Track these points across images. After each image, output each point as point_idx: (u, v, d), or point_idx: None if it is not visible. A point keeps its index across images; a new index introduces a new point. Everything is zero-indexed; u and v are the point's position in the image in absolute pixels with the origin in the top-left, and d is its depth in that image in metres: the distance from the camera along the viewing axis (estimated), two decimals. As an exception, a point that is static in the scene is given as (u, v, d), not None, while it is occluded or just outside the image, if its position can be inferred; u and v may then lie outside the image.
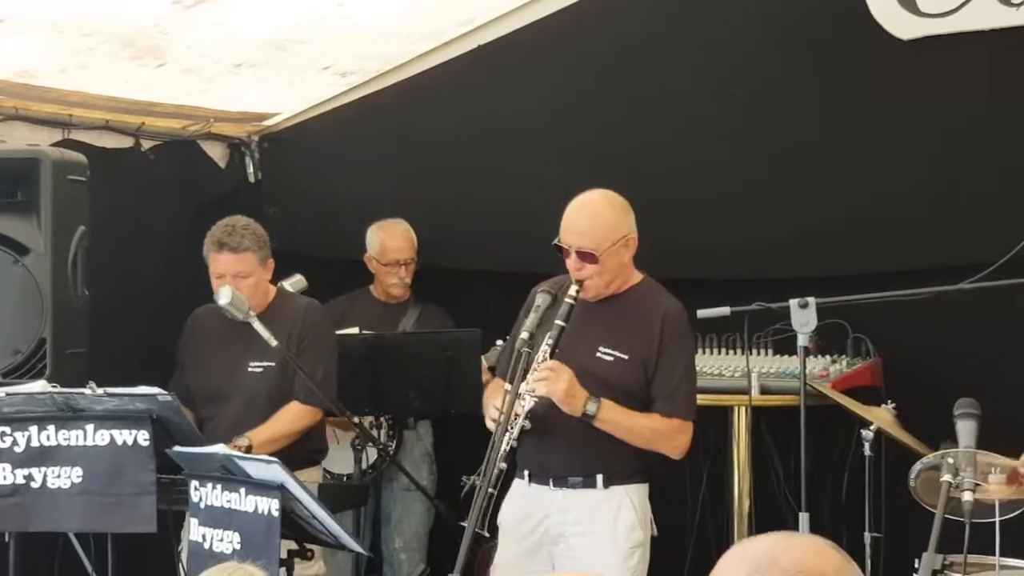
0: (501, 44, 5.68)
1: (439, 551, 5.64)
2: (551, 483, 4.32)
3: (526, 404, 4.15)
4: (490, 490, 3.97)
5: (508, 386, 4.13)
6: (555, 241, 4.27)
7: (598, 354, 4.27)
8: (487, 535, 4.04)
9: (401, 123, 5.98)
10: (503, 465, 4.03)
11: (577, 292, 4.21)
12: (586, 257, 4.22)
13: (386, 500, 5.80)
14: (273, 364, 4.92)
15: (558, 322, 4.16)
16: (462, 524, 3.97)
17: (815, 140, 5.31)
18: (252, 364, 4.95)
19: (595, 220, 4.25)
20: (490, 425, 4.16)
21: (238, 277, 4.88)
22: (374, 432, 5.54)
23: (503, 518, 4.35)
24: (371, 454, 5.52)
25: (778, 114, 5.34)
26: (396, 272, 5.89)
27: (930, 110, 5.12)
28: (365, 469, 5.45)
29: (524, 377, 4.10)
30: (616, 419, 4.23)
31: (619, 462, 4.32)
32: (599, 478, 4.30)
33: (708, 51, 5.45)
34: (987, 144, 5.04)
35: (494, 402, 4.20)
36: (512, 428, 4.10)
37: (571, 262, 4.24)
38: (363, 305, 5.94)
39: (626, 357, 4.28)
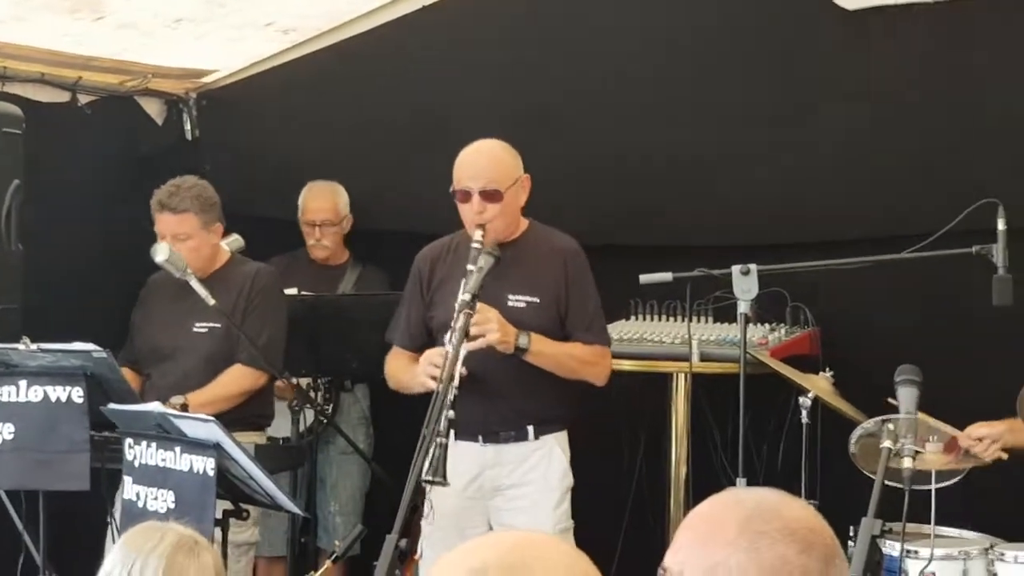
0: (446, 5, 5.63)
1: (376, 514, 5.62)
2: (481, 439, 4.36)
3: (462, 353, 4.13)
4: (441, 440, 3.96)
5: (449, 347, 4.10)
6: (453, 187, 4.32)
7: (510, 303, 4.32)
8: (448, 483, 4.01)
9: (343, 83, 5.92)
10: (451, 413, 4.01)
11: (482, 237, 4.25)
12: (491, 197, 4.30)
13: (322, 463, 5.76)
14: (219, 325, 4.87)
15: (471, 267, 4.17)
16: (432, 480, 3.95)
17: (759, 109, 5.31)
18: (197, 324, 4.90)
19: (495, 159, 4.37)
20: (431, 385, 4.13)
21: (177, 239, 4.82)
22: (311, 394, 5.50)
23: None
24: (308, 417, 5.47)
25: (722, 82, 5.34)
26: (312, 233, 5.85)
27: (873, 80, 5.14)
28: (302, 432, 5.41)
29: (464, 336, 4.09)
30: (546, 350, 4.31)
31: (547, 411, 4.42)
32: (530, 430, 4.39)
33: (649, 19, 5.43)
34: (929, 115, 5.07)
35: (432, 360, 4.19)
36: (455, 379, 4.08)
37: (473, 206, 4.30)
38: (301, 266, 5.89)
39: (538, 300, 4.37)
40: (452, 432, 4.18)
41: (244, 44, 5.92)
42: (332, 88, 5.93)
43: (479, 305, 4.15)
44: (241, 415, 4.78)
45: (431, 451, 3.94)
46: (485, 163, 4.35)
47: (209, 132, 6.26)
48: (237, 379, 4.87)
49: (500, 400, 4.30)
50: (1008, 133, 4.97)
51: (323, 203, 5.86)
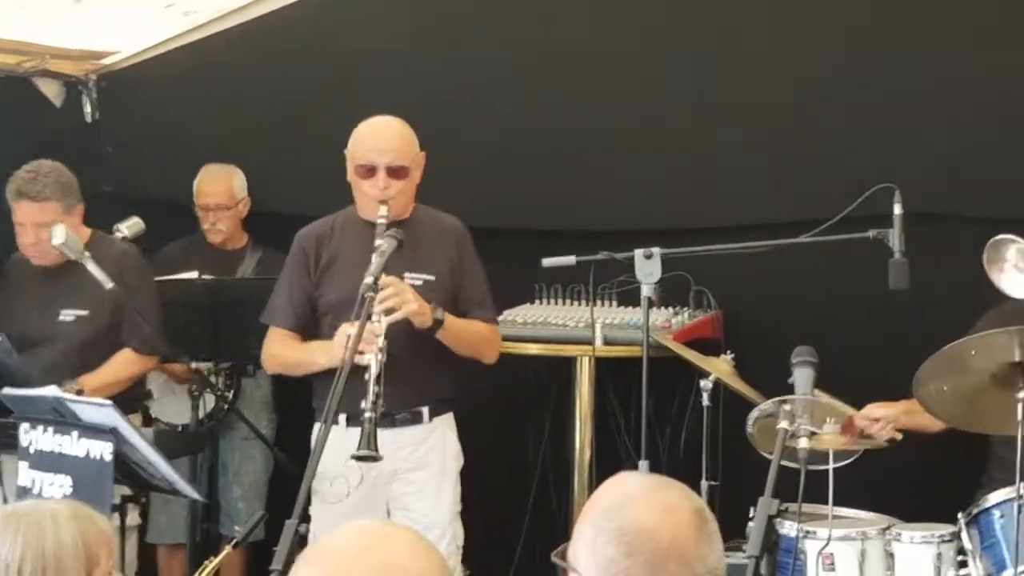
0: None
1: (279, 500, 5.57)
2: (343, 422, 4.27)
3: (382, 327, 4.11)
4: (370, 415, 3.98)
5: (351, 330, 4.05)
6: (356, 162, 4.28)
7: (407, 280, 4.30)
8: (379, 456, 4.02)
9: (243, 65, 5.85)
10: (377, 389, 4.02)
11: (387, 213, 4.24)
12: (397, 173, 4.29)
13: (224, 449, 5.71)
14: (86, 313, 4.81)
15: (379, 242, 4.14)
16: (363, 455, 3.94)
17: (663, 93, 5.33)
18: (63, 312, 4.84)
19: (400, 135, 4.36)
20: (360, 360, 4.05)
21: (40, 227, 4.72)
22: (212, 379, 5.44)
23: (322, 468, 4.27)
24: (209, 402, 5.42)
25: (625, 67, 5.35)
26: (207, 217, 5.79)
27: (776, 64, 5.18)
28: (202, 418, 5.36)
29: (368, 316, 4.06)
30: (457, 324, 4.34)
31: (441, 393, 4.45)
32: (425, 412, 4.39)
33: (552, 2, 5.44)
34: (829, 100, 5.13)
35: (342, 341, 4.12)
36: (379, 355, 4.06)
37: (378, 181, 4.28)
38: (199, 250, 5.82)
39: (433, 278, 4.38)
40: (345, 417, 4.18)
41: (145, 25, 5.84)
42: (232, 71, 5.87)
43: (391, 279, 4.14)
44: (119, 397, 4.70)
45: (362, 427, 3.96)
46: (394, 139, 4.33)
47: (109, 114, 6.16)
48: (127, 364, 4.83)
49: (397, 382, 4.20)
50: (905, 119, 5.04)
51: (217, 187, 5.79)
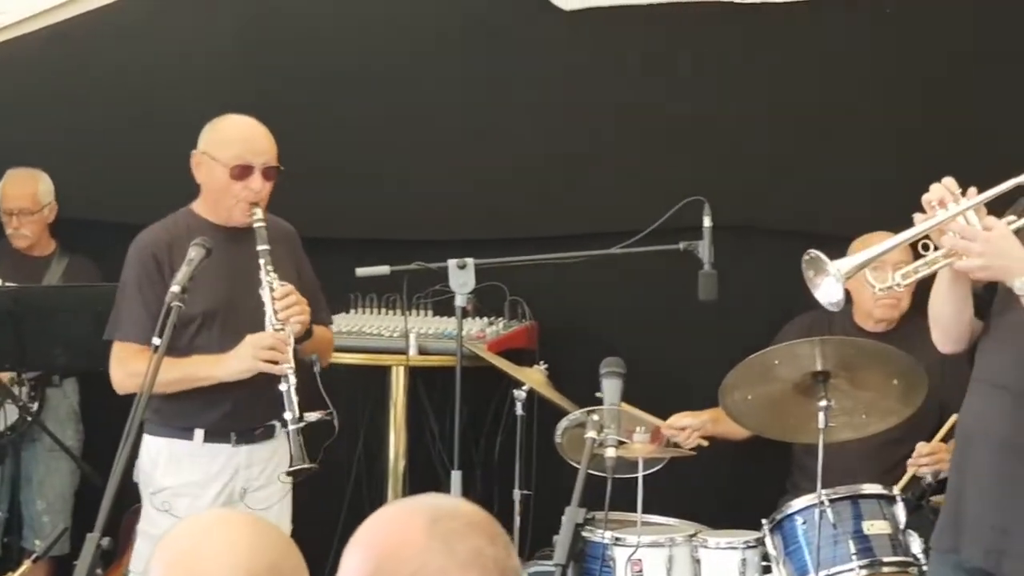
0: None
1: (85, 513, 5.43)
2: (234, 439, 4.16)
3: (290, 336, 4.02)
4: (295, 427, 3.93)
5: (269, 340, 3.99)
6: (238, 163, 4.08)
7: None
8: (316, 465, 3.97)
9: (52, 68, 5.68)
10: (298, 399, 3.96)
11: (262, 216, 4.11)
12: (269, 174, 4.13)
13: (29, 461, 5.54)
14: None
15: (264, 247, 4.04)
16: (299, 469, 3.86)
17: (478, 105, 5.36)
18: None
19: (269, 135, 4.18)
20: (270, 369, 3.99)
21: None
22: (15, 390, 5.29)
23: (178, 483, 4.15)
24: (11, 413, 5.26)
25: (439, 79, 5.36)
26: (10, 222, 5.63)
27: (588, 80, 5.25)
28: (3, 430, 5.20)
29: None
30: (317, 331, 4.22)
31: (282, 405, 4.23)
32: (277, 426, 4.23)
33: (364, 12, 5.42)
34: (639, 114, 5.22)
35: (266, 344, 4.00)
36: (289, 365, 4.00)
37: (253, 182, 4.09)
38: (4, 256, 5.65)
39: (290, 285, 4.24)
40: (203, 433, 4.10)
41: (-51, 24, 5.65)
42: (40, 73, 5.70)
43: (288, 287, 4.04)
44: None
45: (289, 440, 3.89)
46: (265, 137, 4.15)
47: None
48: None
49: (253, 395, 4.10)
50: (715, 133, 5.15)
51: (20, 190, 5.63)
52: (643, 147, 5.23)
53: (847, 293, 4.69)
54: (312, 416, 4.05)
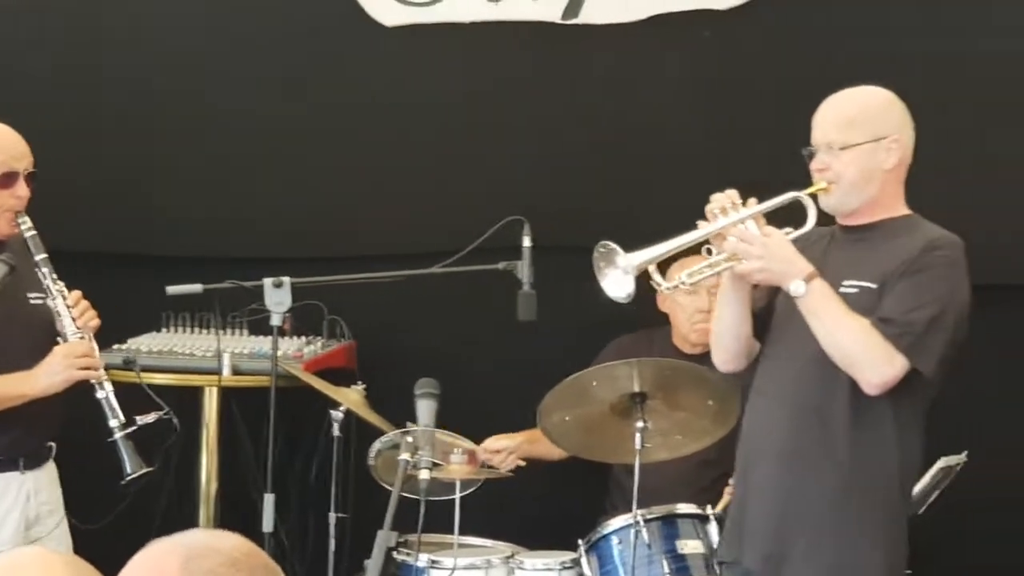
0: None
1: None
2: (22, 465, 4.01)
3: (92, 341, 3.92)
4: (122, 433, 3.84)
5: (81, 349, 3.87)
6: (6, 169, 3.93)
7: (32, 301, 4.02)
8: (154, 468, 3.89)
9: None
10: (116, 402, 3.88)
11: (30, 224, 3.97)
12: (31, 179, 3.99)
13: None
14: None
15: (43, 256, 3.91)
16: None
17: (297, 119, 5.28)
18: None
19: (22, 138, 4.02)
20: (83, 376, 3.88)
21: None
22: None
23: None
24: None
25: (255, 92, 5.28)
26: None
27: (410, 97, 5.22)
28: None
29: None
30: None
31: (59, 426, 4.18)
32: (53, 446, 4.11)
33: (183, 24, 5.32)
34: (461, 132, 5.20)
35: (80, 352, 3.89)
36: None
37: (20, 190, 3.95)
38: None
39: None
40: (23, 460, 3.99)
41: None
42: None
43: (76, 293, 3.92)
44: None
45: (120, 448, 3.80)
46: (21, 141, 3.99)
47: None
48: None
49: (38, 418, 3.98)
50: (537, 152, 5.16)
51: None
52: (464, 166, 5.21)
53: (665, 316, 4.78)
54: (148, 418, 3.95)
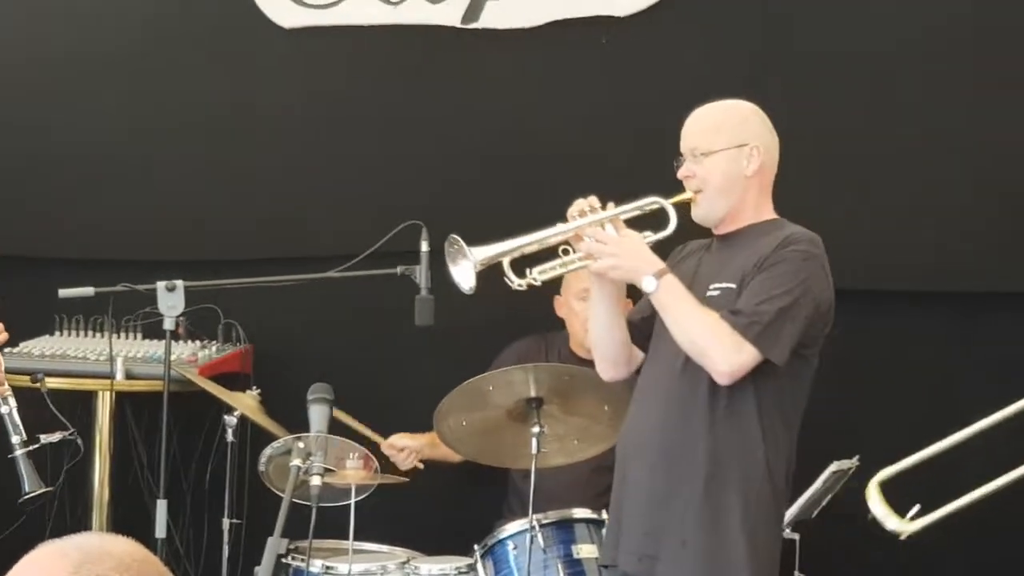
0: None
1: None
2: None
3: None
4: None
5: None
6: None
7: None
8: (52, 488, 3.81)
9: None
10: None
11: None
12: None
13: None
14: None
15: None
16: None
17: (191, 123, 5.24)
18: None
19: None
20: None
21: None
22: None
23: None
24: None
25: (153, 95, 5.22)
26: None
27: (308, 99, 5.20)
28: None
29: None
30: None
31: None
32: None
33: (94, 27, 5.24)
34: (359, 136, 5.17)
35: None
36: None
37: None
38: None
39: None
40: None
41: None
42: None
43: None
44: None
45: (19, 466, 3.73)
46: None
47: None
48: None
49: None
50: (434, 157, 5.15)
51: None
52: (363, 170, 5.19)
53: (563, 321, 4.80)
54: (53, 437, 3.88)
